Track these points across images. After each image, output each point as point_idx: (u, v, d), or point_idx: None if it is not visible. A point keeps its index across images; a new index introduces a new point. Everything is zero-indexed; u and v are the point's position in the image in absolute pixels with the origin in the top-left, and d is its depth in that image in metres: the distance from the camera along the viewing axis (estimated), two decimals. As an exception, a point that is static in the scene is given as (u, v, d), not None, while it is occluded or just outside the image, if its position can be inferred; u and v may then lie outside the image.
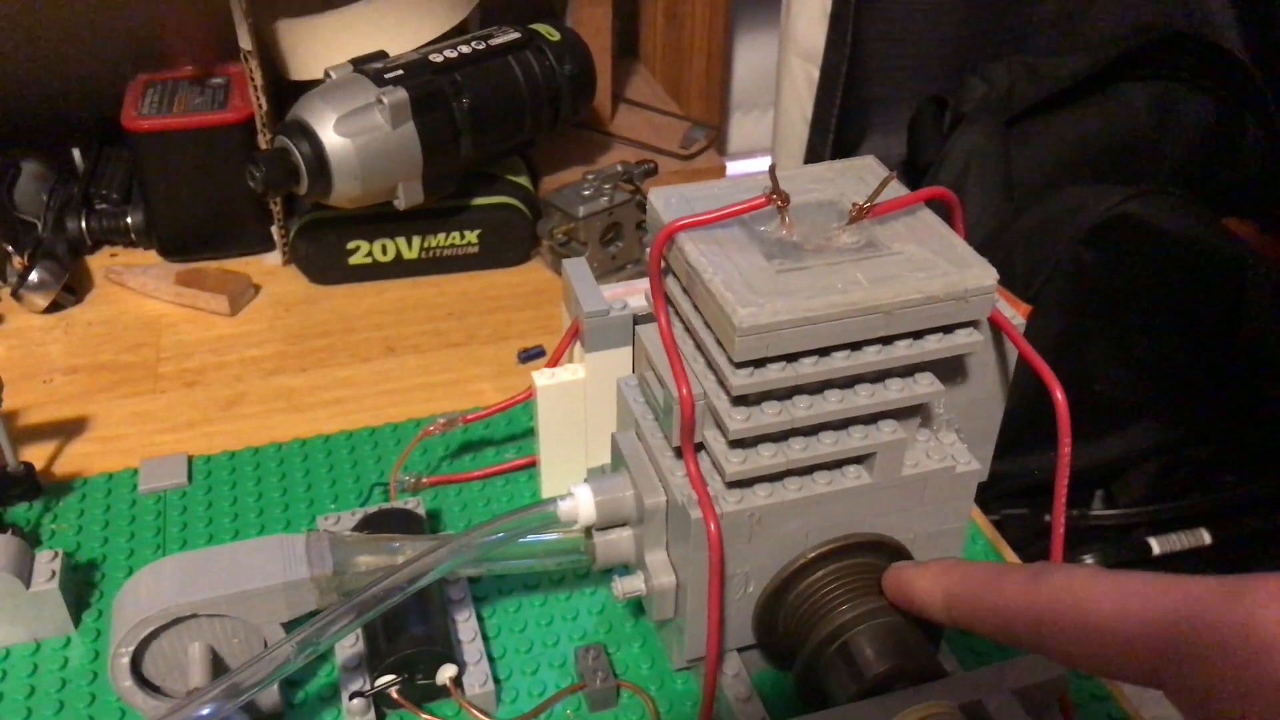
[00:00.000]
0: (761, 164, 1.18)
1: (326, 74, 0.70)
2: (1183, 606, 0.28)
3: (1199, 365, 0.89)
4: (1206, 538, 0.91)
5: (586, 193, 0.75)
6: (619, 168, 0.78)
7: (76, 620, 0.52)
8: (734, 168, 1.00)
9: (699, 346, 0.45)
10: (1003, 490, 0.93)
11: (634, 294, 0.55)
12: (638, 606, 0.53)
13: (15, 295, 0.72)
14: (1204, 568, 0.92)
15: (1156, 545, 0.90)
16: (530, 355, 0.70)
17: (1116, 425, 0.93)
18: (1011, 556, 0.58)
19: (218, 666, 0.46)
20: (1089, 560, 0.91)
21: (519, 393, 0.58)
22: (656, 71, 1.04)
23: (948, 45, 1.00)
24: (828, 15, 0.86)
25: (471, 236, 0.77)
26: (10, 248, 0.73)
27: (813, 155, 0.92)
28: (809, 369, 0.41)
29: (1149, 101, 1.01)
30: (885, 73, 0.99)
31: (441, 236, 0.76)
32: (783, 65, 0.92)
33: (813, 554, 0.45)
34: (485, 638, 0.51)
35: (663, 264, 0.45)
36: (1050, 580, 0.33)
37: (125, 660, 0.44)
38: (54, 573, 0.51)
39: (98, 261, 0.79)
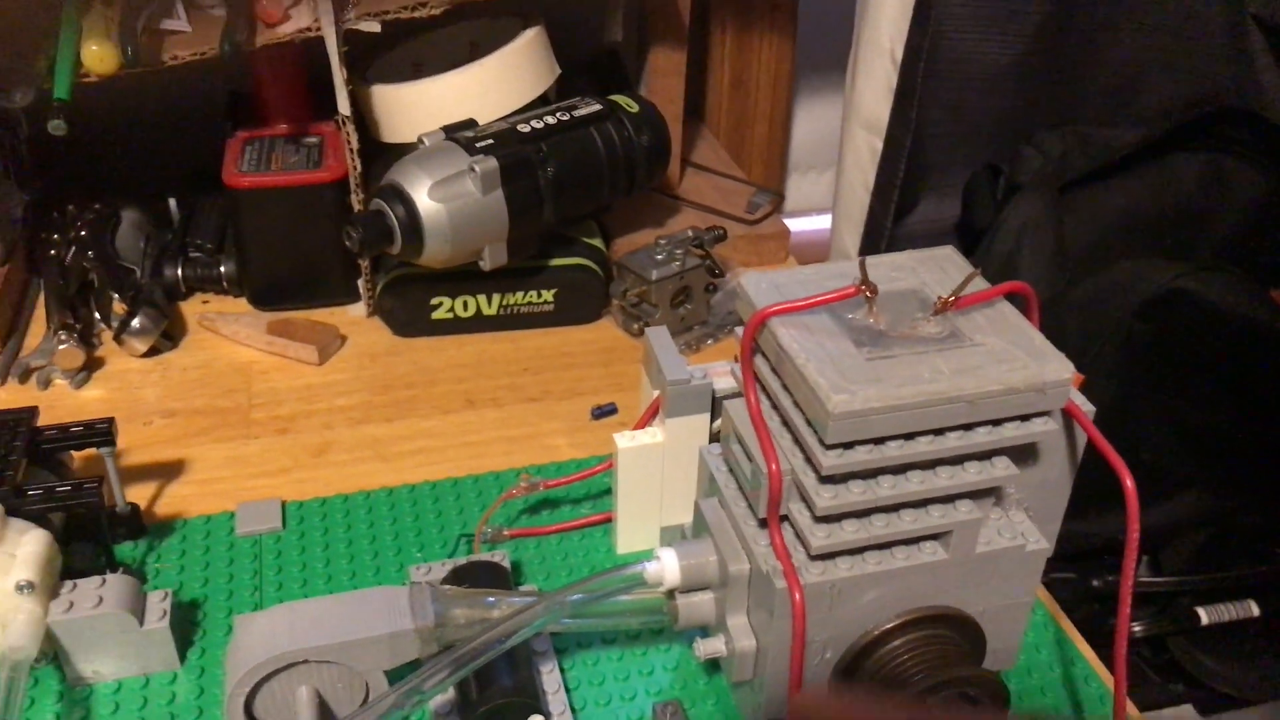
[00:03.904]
0: (819, 223, 1.21)
1: (420, 140, 0.74)
2: None
3: (1250, 437, 0.90)
4: (1255, 609, 0.92)
5: (659, 257, 0.78)
6: (690, 233, 0.81)
7: (182, 656, 0.55)
8: (793, 225, 1.03)
9: (785, 423, 0.47)
10: (1053, 553, 0.95)
11: (713, 375, 0.58)
12: (713, 664, 0.55)
13: (118, 339, 0.76)
14: (1252, 639, 0.93)
15: (1205, 615, 0.91)
16: (603, 412, 0.73)
17: (1165, 493, 0.94)
18: (1065, 622, 0.60)
19: (323, 710, 0.49)
20: (1137, 629, 0.92)
21: (597, 453, 0.61)
22: (720, 134, 1.08)
23: (1003, 114, 1.02)
24: (892, 91, 0.89)
25: (548, 295, 0.80)
26: (115, 294, 0.77)
27: (874, 223, 0.95)
28: (894, 452, 0.44)
29: (1200, 173, 1.03)
30: (941, 139, 1.02)
31: (519, 295, 0.79)
32: (846, 134, 0.95)
33: (889, 624, 0.47)
34: (567, 689, 0.54)
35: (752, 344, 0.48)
36: None
37: (241, 701, 0.47)
38: (165, 612, 0.54)
39: (190, 308, 0.83)
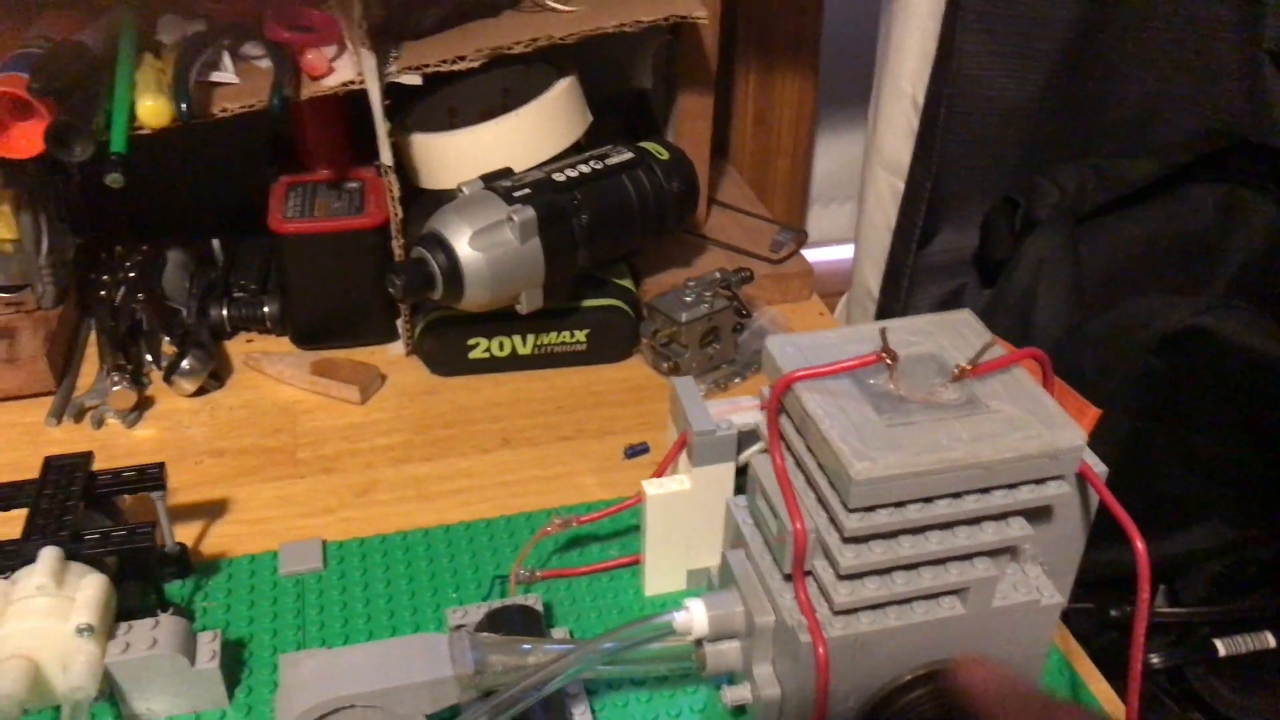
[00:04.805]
0: (841, 253, 1.23)
1: (459, 188, 0.77)
2: None
3: (1265, 469, 0.92)
4: (1271, 641, 0.93)
5: (688, 299, 0.81)
6: (717, 275, 0.83)
7: (230, 694, 0.58)
8: (814, 256, 1.05)
9: (810, 483, 0.50)
10: (1072, 583, 0.96)
11: (738, 411, 0.61)
12: (739, 709, 0.57)
13: (168, 380, 0.79)
14: (1270, 670, 0.94)
15: (1222, 647, 0.92)
16: (636, 451, 0.76)
17: (1181, 524, 0.95)
18: (1082, 656, 0.62)
19: (369, 751, 0.51)
20: (1155, 660, 0.93)
21: (626, 493, 0.64)
22: (744, 170, 1.10)
23: (1020, 146, 1.03)
24: (913, 133, 0.91)
25: (580, 335, 0.83)
26: (165, 336, 0.80)
27: (894, 262, 0.97)
28: (914, 514, 0.46)
29: (1215, 204, 1.04)
30: (959, 171, 1.04)
31: (553, 335, 0.82)
32: (868, 175, 0.97)
33: (909, 676, 0.50)
34: (598, 732, 0.56)
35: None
36: None
37: (292, 744, 0.50)
38: (214, 653, 0.56)
39: (235, 346, 0.86)
